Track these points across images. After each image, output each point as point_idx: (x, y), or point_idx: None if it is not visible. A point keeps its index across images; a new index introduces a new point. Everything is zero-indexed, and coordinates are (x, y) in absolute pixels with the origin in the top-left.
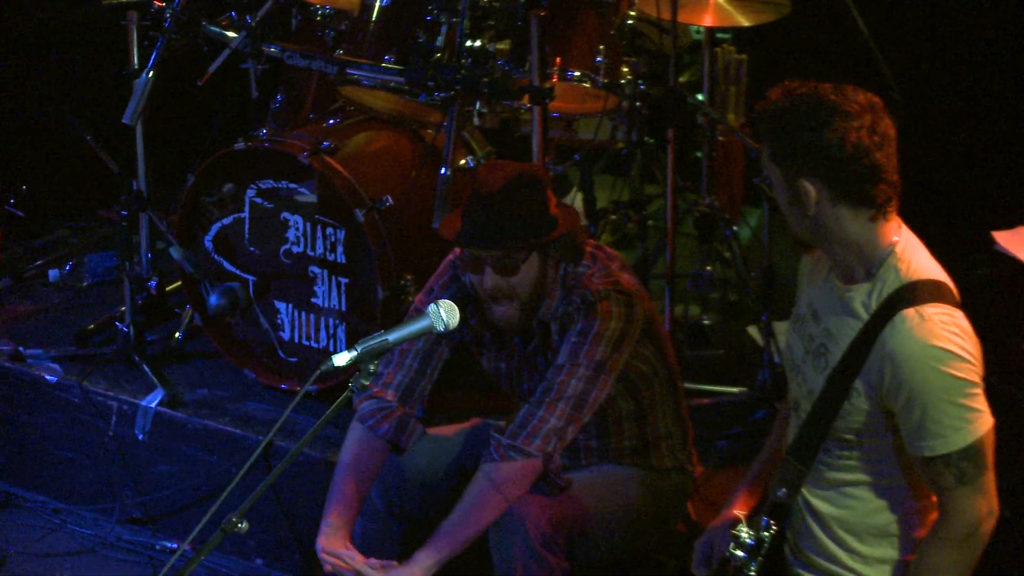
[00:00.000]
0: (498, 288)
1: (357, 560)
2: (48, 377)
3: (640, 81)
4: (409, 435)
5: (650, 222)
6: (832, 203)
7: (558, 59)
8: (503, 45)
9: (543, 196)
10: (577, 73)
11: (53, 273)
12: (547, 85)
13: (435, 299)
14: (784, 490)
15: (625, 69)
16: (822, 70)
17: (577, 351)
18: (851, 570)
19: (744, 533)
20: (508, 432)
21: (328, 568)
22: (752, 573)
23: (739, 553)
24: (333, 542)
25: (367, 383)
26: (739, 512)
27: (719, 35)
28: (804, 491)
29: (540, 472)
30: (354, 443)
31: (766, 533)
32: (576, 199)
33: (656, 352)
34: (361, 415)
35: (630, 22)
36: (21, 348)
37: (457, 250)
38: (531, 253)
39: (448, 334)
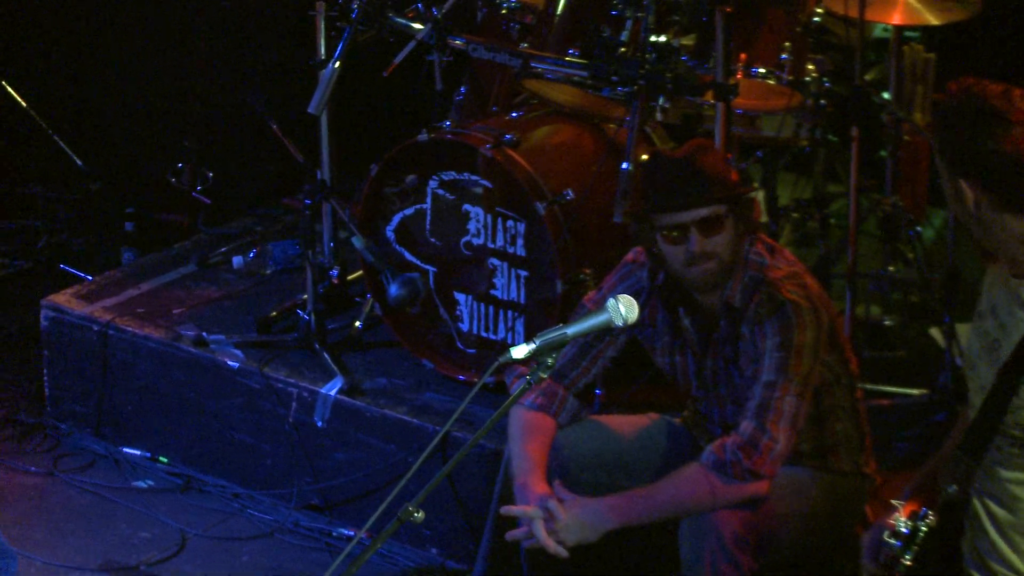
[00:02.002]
0: (703, 250)
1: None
2: (230, 363)
3: (825, 79)
4: (560, 405)
5: (832, 220)
6: (992, 208)
7: (743, 55)
8: (688, 40)
9: (724, 159)
10: (762, 70)
11: (237, 260)
12: (731, 81)
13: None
14: (954, 486)
15: (810, 66)
16: (1013, 71)
17: (784, 366)
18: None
19: (900, 523)
20: (740, 448)
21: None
22: (907, 562)
23: (893, 542)
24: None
25: (545, 376)
26: (899, 503)
27: (907, 33)
28: (979, 491)
29: (763, 495)
30: (514, 421)
31: (922, 523)
32: (758, 196)
33: (839, 359)
34: (512, 395)
35: (816, 19)
36: (204, 334)
37: (638, 249)
38: (732, 210)
39: (616, 333)
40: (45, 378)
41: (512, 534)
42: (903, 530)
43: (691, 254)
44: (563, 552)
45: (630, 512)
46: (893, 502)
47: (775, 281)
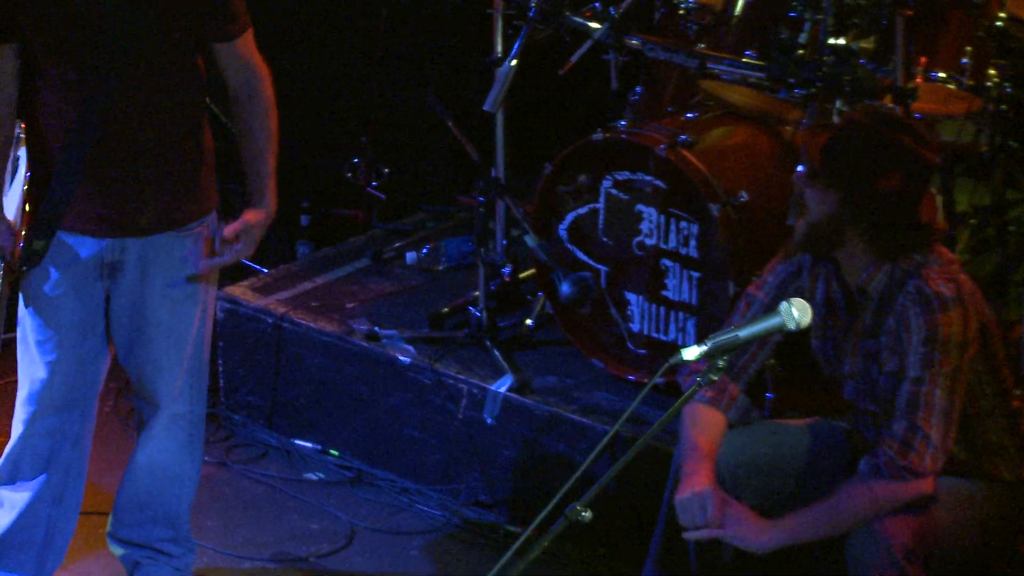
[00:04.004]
0: (797, 195)
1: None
2: (402, 358)
3: (1007, 84)
4: (729, 401)
5: (1011, 228)
6: None
7: (923, 59)
8: (867, 43)
9: (892, 164)
10: (942, 74)
11: (410, 256)
12: (911, 85)
13: (769, 290)
14: None
15: (992, 71)
16: None
17: (931, 361)
18: None
19: None
20: (893, 449)
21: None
22: None
23: None
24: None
25: (716, 378)
26: None
27: None
28: None
29: (927, 495)
30: (684, 415)
31: None
32: (935, 201)
33: (987, 366)
34: (684, 395)
35: (999, 23)
36: (377, 328)
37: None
38: (840, 188)
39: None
40: (220, 369)
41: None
42: None
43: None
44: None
45: (795, 533)
46: None
47: (926, 275)
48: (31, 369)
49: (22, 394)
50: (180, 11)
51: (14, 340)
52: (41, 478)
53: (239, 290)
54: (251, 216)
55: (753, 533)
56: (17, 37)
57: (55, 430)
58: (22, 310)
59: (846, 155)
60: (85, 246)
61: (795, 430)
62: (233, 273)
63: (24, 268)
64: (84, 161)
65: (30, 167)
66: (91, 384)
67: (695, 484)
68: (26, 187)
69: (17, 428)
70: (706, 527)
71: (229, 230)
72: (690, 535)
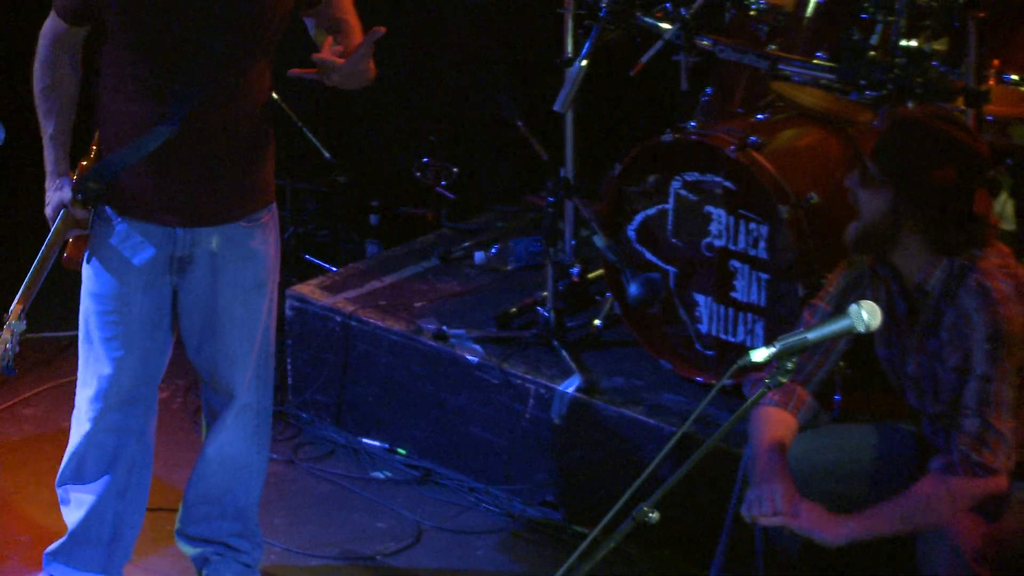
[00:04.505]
0: (852, 192)
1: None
2: (469, 358)
3: None
4: (797, 402)
5: None
6: None
7: (995, 61)
8: (939, 45)
9: (946, 156)
10: (1015, 76)
11: (479, 255)
12: (983, 88)
13: (830, 299)
14: None
15: None
16: None
17: (996, 356)
18: None
19: None
20: (967, 445)
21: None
22: None
23: None
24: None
25: (784, 380)
26: None
27: None
28: None
29: (1003, 492)
30: (753, 417)
31: None
32: (1007, 205)
33: None
34: (751, 398)
35: None
36: (445, 328)
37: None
38: (894, 183)
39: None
40: (288, 367)
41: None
42: None
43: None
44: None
45: (870, 527)
46: None
47: (984, 268)
48: (96, 366)
49: (87, 392)
50: (275, 4)
51: (75, 339)
52: (107, 474)
53: (308, 288)
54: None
55: (827, 526)
56: (92, 22)
57: (120, 426)
58: (86, 307)
59: (899, 149)
60: (155, 238)
61: (864, 433)
62: (302, 272)
63: (80, 197)
64: (156, 145)
65: (99, 133)
66: (154, 378)
67: (768, 478)
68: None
69: (82, 426)
70: (778, 516)
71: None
72: (762, 521)
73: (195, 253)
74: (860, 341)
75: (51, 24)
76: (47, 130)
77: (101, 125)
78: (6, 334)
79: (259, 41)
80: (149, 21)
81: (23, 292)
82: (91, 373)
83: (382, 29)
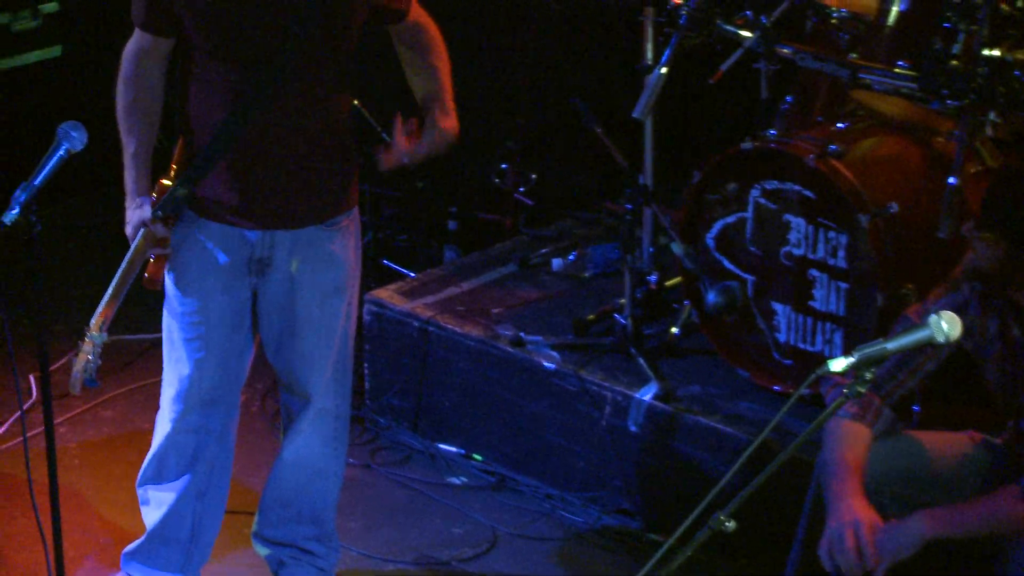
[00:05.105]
0: (974, 247)
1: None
2: (546, 364)
3: None
4: (874, 415)
5: None
6: None
7: None
8: (1022, 55)
9: None
10: None
11: (556, 262)
12: None
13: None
14: None
15: None
16: None
17: None
18: None
19: None
20: None
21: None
22: None
23: None
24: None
25: (863, 391)
26: None
27: None
28: None
29: None
30: (828, 430)
31: None
32: None
33: None
34: (830, 407)
35: None
36: (522, 334)
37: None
38: (1008, 238)
39: (938, 348)
40: (366, 372)
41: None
42: None
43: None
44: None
45: (945, 523)
46: None
47: None
48: (178, 367)
49: (169, 392)
50: (356, 8)
51: (155, 343)
52: (186, 475)
53: (386, 293)
54: (440, 118)
55: (905, 535)
56: (176, 34)
57: (200, 426)
58: (168, 308)
59: (1010, 204)
60: (235, 241)
61: (944, 443)
62: (380, 277)
63: (160, 213)
64: (232, 149)
65: (183, 140)
66: (235, 380)
67: (845, 511)
68: (175, 159)
69: (164, 427)
70: (863, 565)
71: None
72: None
73: (274, 256)
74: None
75: (134, 40)
76: (128, 148)
77: (184, 135)
78: (88, 346)
79: (333, 48)
80: (225, 26)
81: (104, 306)
82: (173, 374)
83: (441, 128)
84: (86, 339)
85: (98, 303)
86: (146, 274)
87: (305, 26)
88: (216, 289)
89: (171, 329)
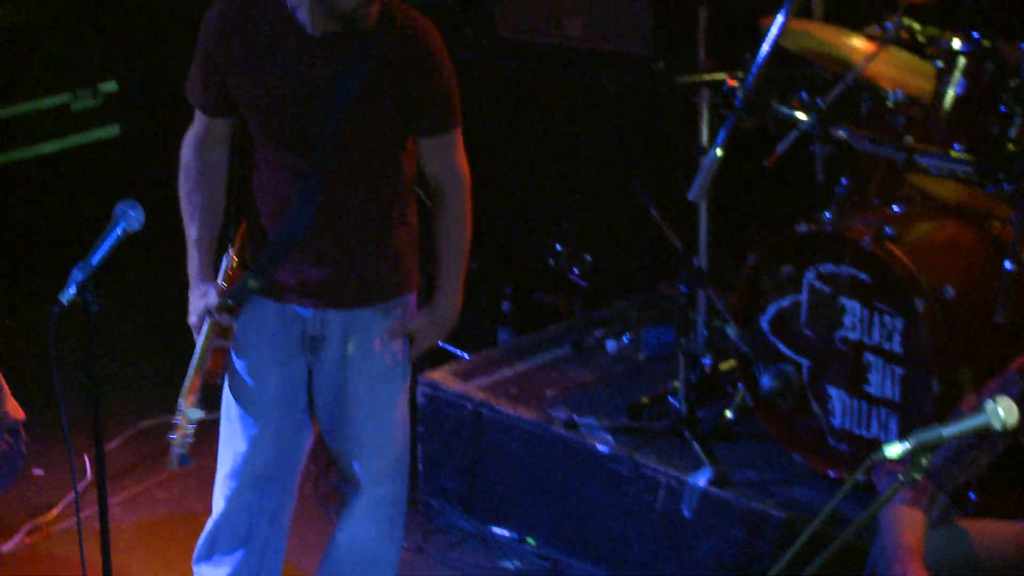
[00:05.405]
0: None
1: None
2: (600, 448)
3: None
4: (930, 501)
5: None
6: None
7: None
8: None
9: None
10: None
11: (611, 344)
12: None
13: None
14: None
15: None
16: None
17: None
18: None
19: None
20: None
21: None
22: None
23: None
24: None
25: (918, 477)
26: None
27: None
28: None
29: None
30: (884, 515)
31: None
32: None
33: None
34: (884, 493)
35: None
36: (576, 416)
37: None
38: None
39: (995, 437)
40: (419, 453)
41: None
42: None
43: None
44: None
45: None
46: None
47: None
48: (233, 443)
49: (224, 469)
50: (398, 105)
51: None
52: (238, 553)
53: (440, 375)
54: (415, 317)
55: None
56: (234, 114)
57: (252, 505)
58: (227, 384)
59: None
60: (289, 317)
61: (1001, 533)
62: (434, 358)
63: (231, 302)
64: (299, 234)
65: (245, 224)
66: (291, 460)
67: None
68: (237, 245)
69: (218, 504)
70: None
71: (391, 329)
72: None
73: (326, 334)
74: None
75: (193, 126)
76: (191, 234)
77: (246, 218)
78: (182, 421)
79: (373, 133)
80: (271, 103)
81: (190, 381)
82: (228, 450)
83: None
84: (181, 415)
85: (156, 383)
86: (208, 366)
87: (337, 107)
88: (272, 365)
89: (228, 406)
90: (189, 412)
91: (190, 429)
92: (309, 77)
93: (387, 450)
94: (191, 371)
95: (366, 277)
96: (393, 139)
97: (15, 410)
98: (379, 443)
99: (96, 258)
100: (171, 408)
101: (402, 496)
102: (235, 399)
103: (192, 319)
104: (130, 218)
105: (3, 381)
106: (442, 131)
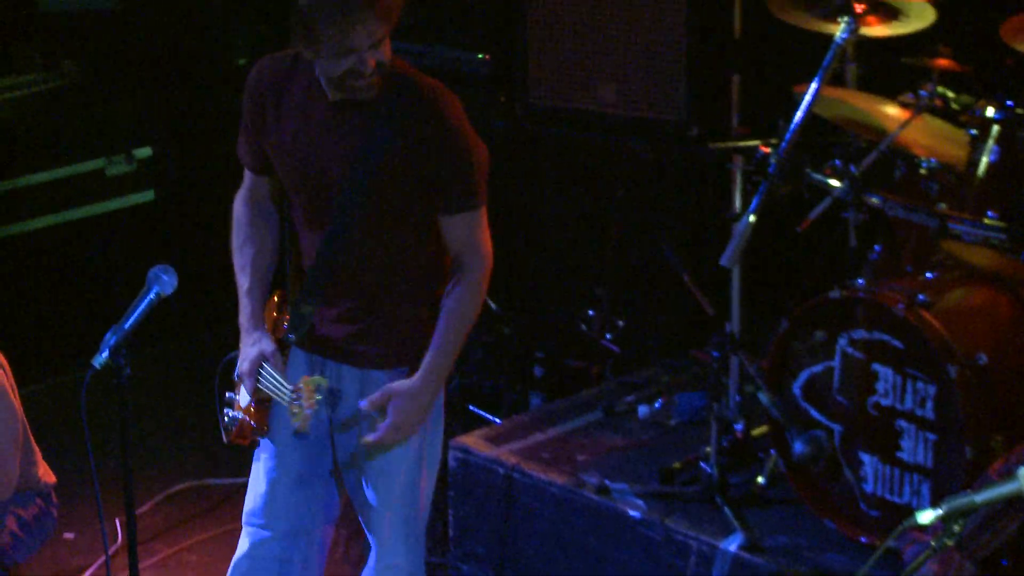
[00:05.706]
0: None
1: None
2: (632, 513)
3: None
4: (956, 570)
5: None
6: None
7: None
8: None
9: None
10: None
11: (643, 409)
12: None
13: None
14: None
15: None
16: None
17: None
18: None
19: None
20: None
21: None
22: None
23: None
24: None
25: (950, 543)
26: None
27: None
28: None
29: None
30: None
31: None
32: None
33: None
34: (914, 562)
35: None
36: (607, 481)
37: None
38: None
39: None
40: (450, 518)
41: None
42: None
43: None
44: None
45: None
46: None
47: None
48: (255, 483)
49: (246, 507)
50: (413, 183)
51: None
52: None
53: (471, 440)
54: (396, 385)
55: None
56: (271, 172)
57: (280, 557)
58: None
59: None
60: (307, 365)
61: None
62: (466, 422)
63: (292, 336)
64: (327, 279)
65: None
66: (316, 511)
67: None
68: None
69: (243, 543)
70: None
71: (369, 401)
72: None
73: (343, 388)
74: None
75: (244, 182)
76: (242, 285)
77: (291, 261)
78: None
79: (387, 208)
80: (295, 167)
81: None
82: (252, 490)
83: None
84: (308, 386)
85: (187, 448)
86: (252, 423)
87: (351, 181)
88: None
89: (257, 452)
90: (315, 381)
91: (318, 396)
92: (328, 147)
93: (398, 519)
94: (283, 395)
95: (384, 341)
96: (412, 214)
97: (47, 474)
98: (386, 507)
99: (129, 322)
100: (202, 473)
101: (418, 564)
102: (262, 444)
103: (244, 366)
104: (164, 282)
105: (35, 445)
106: (462, 210)
